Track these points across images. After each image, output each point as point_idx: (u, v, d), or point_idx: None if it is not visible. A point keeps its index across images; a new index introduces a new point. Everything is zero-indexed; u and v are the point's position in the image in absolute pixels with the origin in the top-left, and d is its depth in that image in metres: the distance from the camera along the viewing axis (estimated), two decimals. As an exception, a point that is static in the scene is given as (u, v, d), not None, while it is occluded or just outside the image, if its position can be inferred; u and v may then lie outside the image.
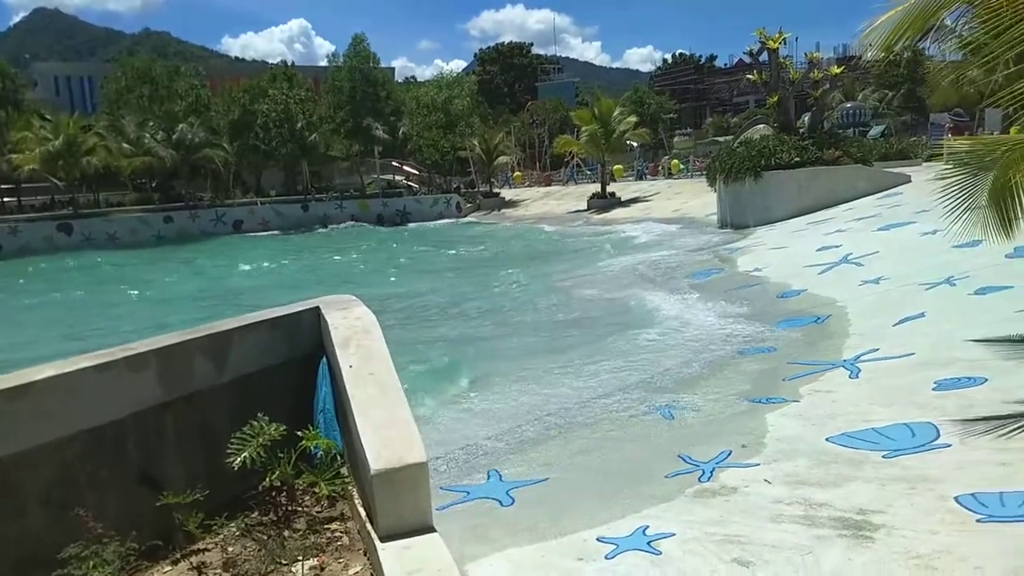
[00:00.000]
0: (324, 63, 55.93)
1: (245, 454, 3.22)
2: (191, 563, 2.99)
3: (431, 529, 2.77)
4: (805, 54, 23.46)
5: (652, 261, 16.94)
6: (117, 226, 37.43)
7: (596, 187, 37.20)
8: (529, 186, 50.27)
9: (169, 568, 3.00)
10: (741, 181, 20.18)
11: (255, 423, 3.38)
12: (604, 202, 34.89)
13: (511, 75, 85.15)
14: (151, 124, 41.16)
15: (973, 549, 3.29)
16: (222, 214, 40.55)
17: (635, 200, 34.27)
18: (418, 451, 2.88)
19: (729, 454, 4.96)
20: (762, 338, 8.72)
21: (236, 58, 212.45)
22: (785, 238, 16.06)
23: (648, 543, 3.72)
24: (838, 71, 22.82)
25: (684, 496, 4.30)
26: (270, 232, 39.24)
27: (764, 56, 21.80)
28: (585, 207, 35.39)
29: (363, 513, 3.07)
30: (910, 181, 18.47)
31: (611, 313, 11.67)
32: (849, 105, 40.13)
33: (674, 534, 3.77)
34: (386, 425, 3.05)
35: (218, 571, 2.94)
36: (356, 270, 22.94)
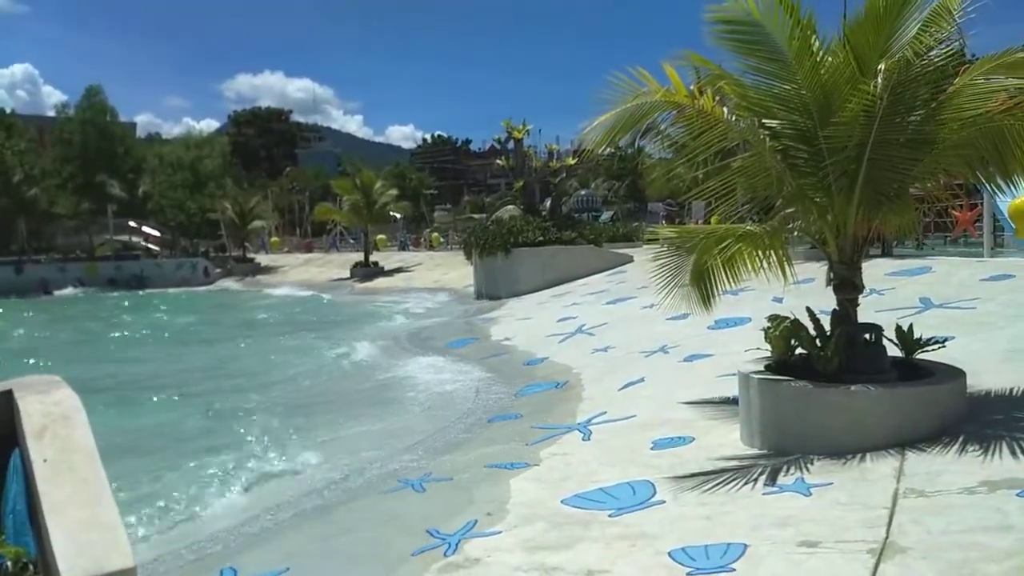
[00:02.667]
0: (52, 113, 49.99)
1: None
2: None
3: (134, 644, 2.45)
4: (546, 145, 26.08)
5: (411, 329, 17.12)
6: None
7: (359, 255, 37.04)
8: (288, 252, 48.61)
9: None
10: (494, 256, 21.45)
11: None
12: (368, 271, 34.80)
13: (269, 139, 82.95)
14: None
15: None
16: (-97, 276, 33.85)
17: (398, 270, 34.61)
18: (124, 555, 2.56)
19: (475, 523, 5.05)
20: (510, 404, 9.12)
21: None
22: (531, 309, 17.18)
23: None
24: (573, 162, 25.45)
25: (428, 573, 4.28)
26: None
27: (511, 144, 23.84)
28: (348, 275, 34.98)
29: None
30: (633, 261, 20.88)
31: (365, 383, 11.51)
32: (583, 192, 44.96)
33: (416, 614, 3.72)
34: (85, 527, 2.69)
35: None
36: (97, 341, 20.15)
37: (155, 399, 11.11)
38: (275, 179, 64.90)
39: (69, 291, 36.43)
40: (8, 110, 48.83)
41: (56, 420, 3.35)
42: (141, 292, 36.54)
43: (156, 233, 48.04)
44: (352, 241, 45.85)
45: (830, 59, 5.56)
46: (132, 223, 47.02)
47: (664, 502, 4.96)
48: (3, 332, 21.87)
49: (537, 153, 27.98)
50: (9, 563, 3.18)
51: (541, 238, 21.40)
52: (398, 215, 41.90)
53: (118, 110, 47.43)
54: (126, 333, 20.76)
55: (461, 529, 4.97)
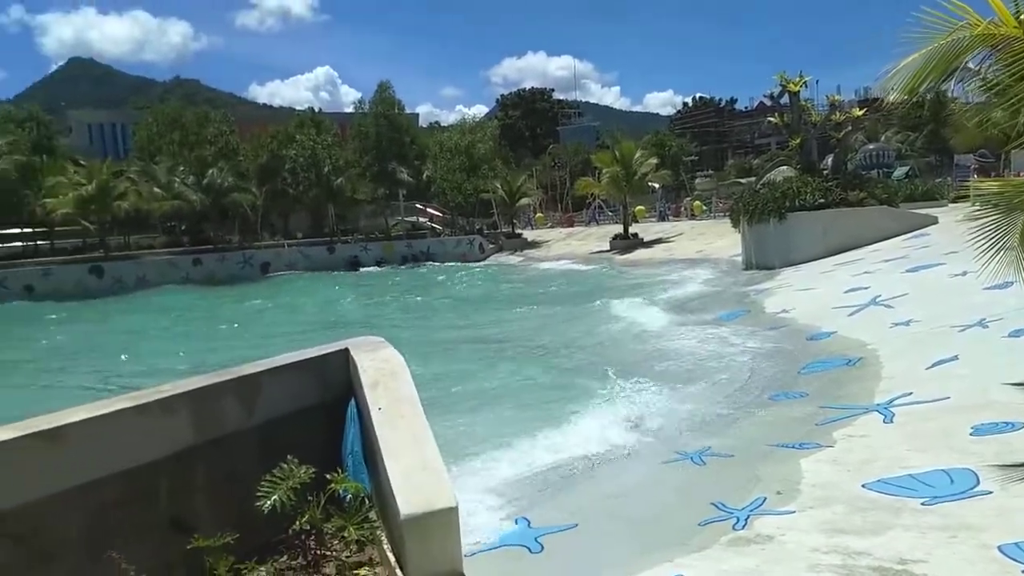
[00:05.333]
0: (350, 110, 57.31)
1: (275, 497, 3.21)
2: (220, 608, 2.96)
3: (461, 575, 2.73)
4: (826, 96, 23.61)
5: (677, 301, 16.85)
6: (147, 268, 38.09)
7: (618, 228, 37.30)
8: (551, 227, 50.56)
9: (198, 613, 2.97)
10: (765, 222, 20.13)
11: (284, 466, 3.37)
12: (627, 243, 34.93)
13: (533, 120, 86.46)
14: (182, 169, 42.20)
15: (1022, 602, 3.16)
16: (249, 256, 41.17)
17: (658, 241, 34.28)
18: (448, 496, 2.85)
19: (764, 501, 4.85)
20: (792, 381, 8.58)
21: (264, 104, 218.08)
22: (812, 279, 15.90)
23: (683, 593, 3.63)
24: (860, 113, 22.86)
25: (718, 544, 4.20)
26: (297, 272, 39.67)
27: (785, 99, 21.97)
28: (607, 247, 35.45)
29: (392, 559, 3.03)
30: (937, 222, 18.29)
31: (634, 355, 11.57)
32: (872, 147, 40.03)
33: (709, 583, 3.68)
34: (416, 469, 3.03)
35: (247, 617, 2.91)
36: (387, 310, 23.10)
37: (475, 354, 12.33)
38: (539, 157, 67.65)
39: (373, 269, 41.63)
40: (316, 109, 56.67)
41: (386, 375, 3.81)
42: (423, 268, 40.52)
43: (438, 213, 52.87)
44: (611, 213, 46.31)
45: None
46: (419, 205, 52.26)
47: (991, 492, 4.35)
48: (334, 300, 25.94)
49: (815, 106, 25.51)
50: (350, 496, 3.72)
51: (822, 200, 19.49)
52: (656, 185, 41.38)
53: (404, 103, 52.82)
54: (445, 300, 23.39)
55: (749, 505, 4.80)
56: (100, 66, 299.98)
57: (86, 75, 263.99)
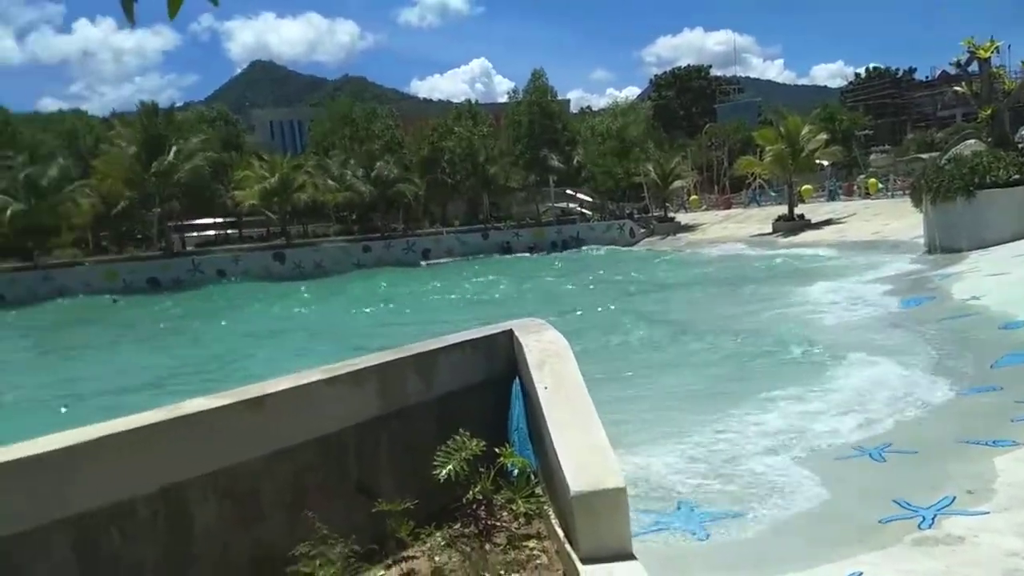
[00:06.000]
0: (503, 99, 58.48)
1: (450, 467, 3.40)
2: (402, 569, 3.19)
3: (631, 556, 2.75)
4: (1021, 63, 21.00)
5: (850, 288, 15.77)
6: (323, 255, 41.13)
7: (782, 209, 35.37)
8: (707, 209, 48.83)
9: (383, 572, 3.21)
10: (951, 201, 18.26)
11: (457, 438, 3.56)
12: (792, 224, 33.00)
13: (688, 98, 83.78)
14: (352, 162, 45.04)
15: None
16: (412, 243, 43.31)
17: (827, 222, 32.11)
18: (617, 476, 2.88)
19: (952, 500, 4.47)
20: (985, 375, 7.78)
21: (424, 99, 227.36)
22: (1005, 263, 14.28)
23: (863, 592, 3.43)
24: (1061, 80, 20.14)
25: (902, 544, 3.92)
26: (454, 259, 41.20)
27: (973, 66, 19.79)
28: (770, 230, 33.69)
29: (561, 534, 3.11)
30: None
31: (809, 343, 10.95)
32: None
33: (893, 585, 3.46)
34: (583, 448, 3.08)
35: (426, 579, 3.11)
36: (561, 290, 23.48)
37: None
38: (694, 137, 65.51)
39: (524, 254, 42.42)
40: (473, 101, 58.20)
41: (551, 356, 3.90)
42: (570, 253, 40.59)
43: (588, 199, 52.77)
44: (773, 194, 44.01)
45: None
46: (568, 191, 52.46)
47: None
48: (492, 283, 26.76)
49: (1009, 74, 22.78)
50: (516, 470, 3.85)
51: (1016, 176, 17.46)
52: (825, 162, 38.77)
53: (556, 90, 53.01)
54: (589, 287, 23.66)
55: (936, 504, 4.44)
56: (278, 67, 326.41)
57: (266, 76, 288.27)
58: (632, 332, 13.87)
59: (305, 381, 3.29)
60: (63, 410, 10.43)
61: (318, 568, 2.85)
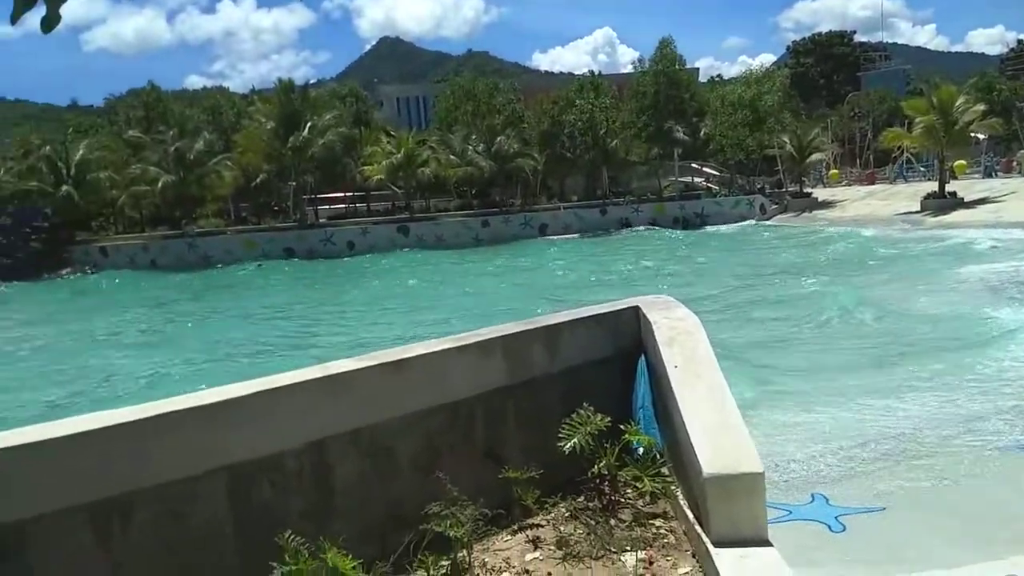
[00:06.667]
0: (628, 69, 57.07)
1: (575, 440, 3.39)
2: (528, 536, 3.23)
3: (767, 543, 2.64)
4: None
5: (1009, 274, 14.40)
6: (444, 229, 42.15)
7: (932, 186, 32.70)
8: (847, 185, 45.84)
9: (509, 537, 3.26)
10: None
11: (582, 412, 3.54)
12: (943, 203, 30.46)
13: (829, 66, 78.78)
14: (473, 138, 45.66)
15: None
16: (530, 218, 43.49)
17: (982, 201, 29.41)
18: (754, 460, 2.76)
19: None
20: None
21: (545, 72, 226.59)
22: None
23: (1021, 599, 3.14)
24: None
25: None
26: (571, 235, 41.00)
27: None
28: (918, 208, 31.23)
29: (690, 515, 3.04)
30: None
31: (952, 335, 10.11)
32: None
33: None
34: (717, 429, 2.98)
35: (551, 548, 3.13)
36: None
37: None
38: (835, 108, 61.57)
39: (642, 229, 41.60)
40: (596, 72, 57.16)
41: (681, 333, 3.79)
42: (703, 231, 39.29)
43: (715, 173, 50.82)
44: (923, 169, 40.77)
45: None
46: (694, 164, 50.72)
47: None
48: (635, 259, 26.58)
49: None
50: (642, 448, 3.78)
51: None
52: (981, 136, 35.37)
53: (684, 58, 51.14)
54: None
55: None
56: (404, 44, 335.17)
57: (393, 53, 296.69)
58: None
59: (437, 348, 3.37)
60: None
61: (448, 528, 2.92)
